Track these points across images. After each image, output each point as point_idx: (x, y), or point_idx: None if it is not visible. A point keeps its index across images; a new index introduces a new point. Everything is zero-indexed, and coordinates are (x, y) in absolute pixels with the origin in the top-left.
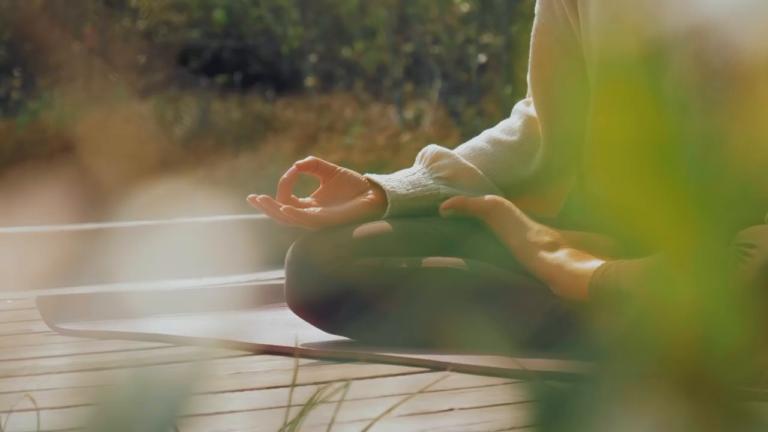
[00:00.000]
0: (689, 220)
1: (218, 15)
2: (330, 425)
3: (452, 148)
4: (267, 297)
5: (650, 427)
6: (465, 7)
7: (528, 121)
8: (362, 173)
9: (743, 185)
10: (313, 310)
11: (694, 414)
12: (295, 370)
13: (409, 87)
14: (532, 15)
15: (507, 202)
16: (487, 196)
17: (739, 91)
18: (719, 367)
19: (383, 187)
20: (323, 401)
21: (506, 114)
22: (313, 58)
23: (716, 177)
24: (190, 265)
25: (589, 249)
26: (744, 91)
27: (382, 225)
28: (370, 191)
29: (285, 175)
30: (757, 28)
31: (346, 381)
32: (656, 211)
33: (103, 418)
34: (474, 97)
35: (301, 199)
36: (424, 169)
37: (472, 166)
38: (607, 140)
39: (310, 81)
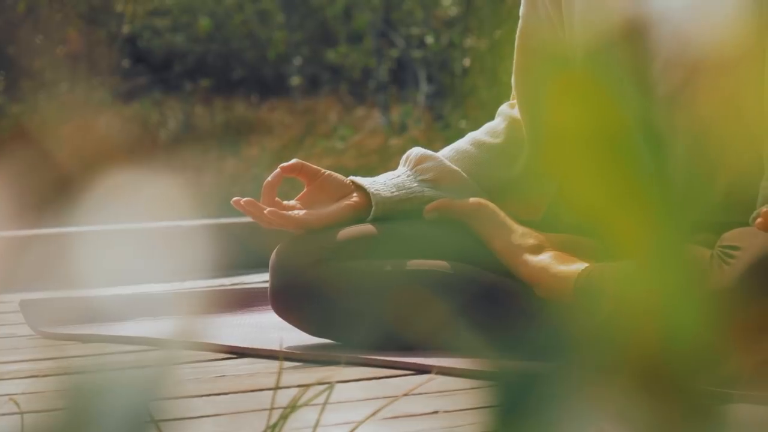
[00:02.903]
0: (649, 219)
1: (203, 21)
2: (314, 428)
3: (437, 151)
4: (251, 300)
5: (616, 425)
6: (450, 11)
7: (512, 123)
8: (347, 176)
9: (728, 187)
10: (297, 313)
11: (661, 414)
12: (279, 373)
13: (393, 90)
14: (517, 18)
15: (491, 205)
16: (472, 199)
17: (727, 79)
18: (690, 369)
19: (367, 189)
20: (307, 404)
21: (491, 117)
22: (297, 61)
23: (702, 178)
24: (174, 268)
25: (573, 251)
26: (733, 79)
27: (366, 228)
28: (355, 194)
29: (269, 178)
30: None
31: (330, 384)
32: (614, 208)
33: (76, 421)
34: (458, 101)
35: (285, 202)
36: (409, 172)
37: (457, 168)
38: (564, 135)
39: (295, 80)
